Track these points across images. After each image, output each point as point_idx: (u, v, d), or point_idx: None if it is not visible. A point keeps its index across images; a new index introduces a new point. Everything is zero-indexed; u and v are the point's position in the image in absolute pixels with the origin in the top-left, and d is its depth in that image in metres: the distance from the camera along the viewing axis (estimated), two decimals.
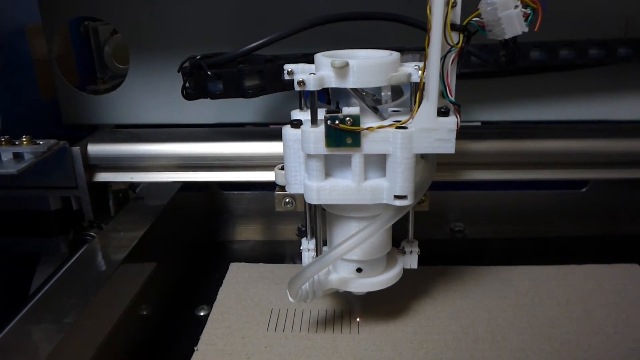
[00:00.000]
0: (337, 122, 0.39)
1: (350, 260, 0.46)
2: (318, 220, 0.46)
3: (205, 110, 0.66)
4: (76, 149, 0.56)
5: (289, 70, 0.43)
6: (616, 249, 0.63)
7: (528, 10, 0.36)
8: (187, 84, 0.54)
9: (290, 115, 0.47)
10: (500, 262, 0.59)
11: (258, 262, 0.60)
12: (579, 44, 0.57)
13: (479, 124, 0.67)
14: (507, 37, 0.37)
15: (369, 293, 0.52)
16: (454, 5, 0.37)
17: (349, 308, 0.52)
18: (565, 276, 0.56)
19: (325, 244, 0.48)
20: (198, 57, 0.52)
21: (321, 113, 0.40)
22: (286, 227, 0.70)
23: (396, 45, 0.49)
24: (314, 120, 0.41)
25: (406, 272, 0.56)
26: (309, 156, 0.41)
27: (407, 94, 0.44)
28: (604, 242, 0.66)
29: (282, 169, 0.46)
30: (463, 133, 0.54)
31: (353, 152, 0.40)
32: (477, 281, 0.55)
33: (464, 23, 0.38)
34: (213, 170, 0.59)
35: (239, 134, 0.61)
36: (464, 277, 0.56)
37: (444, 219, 0.70)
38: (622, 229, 0.68)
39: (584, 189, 0.70)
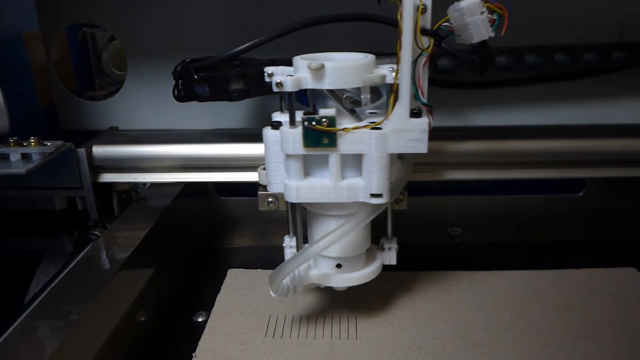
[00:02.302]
0: (314, 123, 0.42)
1: (331, 257, 0.49)
2: (298, 218, 0.50)
3: (202, 116, 0.67)
4: (82, 151, 0.59)
5: (269, 72, 0.46)
6: (613, 253, 0.64)
7: (494, 16, 0.37)
8: (179, 87, 0.54)
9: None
10: (497, 267, 0.60)
11: (256, 268, 0.60)
12: (574, 49, 0.58)
13: None
14: (474, 41, 0.39)
15: (367, 299, 0.52)
16: (424, 10, 0.40)
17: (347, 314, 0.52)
18: (562, 280, 0.57)
19: (306, 241, 0.51)
20: (188, 60, 0.52)
21: (300, 115, 0.43)
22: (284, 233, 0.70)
23: (381, 48, 0.49)
24: (292, 122, 0.44)
25: (404, 276, 0.56)
26: (288, 156, 0.44)
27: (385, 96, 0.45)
28: (601, 246, 0.67)
29: (265, 169, 0.47)
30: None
31: (330, 152, 0.43)
32: (474, 286, 0.57)
33: (434, 28, 0.40)
34: (214, 171, 0.61)
35: (239, 136, 0.61)
36: (462, 282, 0.57)
37: (441, 224, 0.70)
38: (619, 233, 0.69)
39: (580, 193, 0.70)
